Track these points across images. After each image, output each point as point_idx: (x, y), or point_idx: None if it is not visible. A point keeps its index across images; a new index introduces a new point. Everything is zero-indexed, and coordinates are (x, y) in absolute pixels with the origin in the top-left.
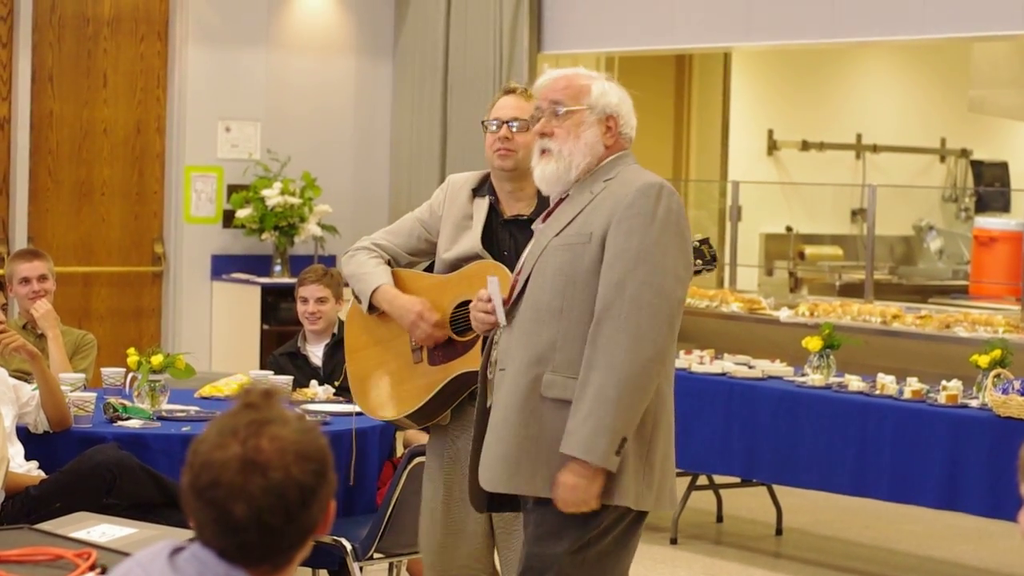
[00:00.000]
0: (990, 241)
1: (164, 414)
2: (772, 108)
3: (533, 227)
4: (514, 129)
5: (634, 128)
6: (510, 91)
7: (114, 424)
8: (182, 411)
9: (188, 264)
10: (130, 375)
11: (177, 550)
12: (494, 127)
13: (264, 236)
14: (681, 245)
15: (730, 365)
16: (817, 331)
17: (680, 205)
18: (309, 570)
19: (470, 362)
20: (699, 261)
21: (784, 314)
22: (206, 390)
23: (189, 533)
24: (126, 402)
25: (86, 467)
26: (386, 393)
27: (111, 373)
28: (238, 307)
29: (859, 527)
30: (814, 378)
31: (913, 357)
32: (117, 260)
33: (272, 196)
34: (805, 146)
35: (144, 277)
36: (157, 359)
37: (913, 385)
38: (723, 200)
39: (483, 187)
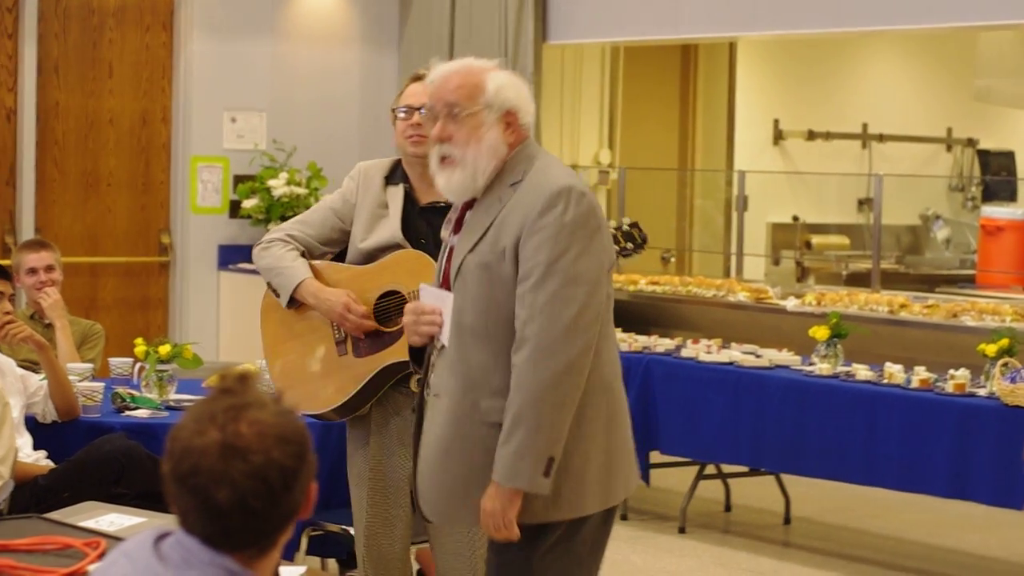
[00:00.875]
0: (997, 230)
1: (172, 404)
2: (778, 98)
3: (443, 236)
4: (424, 115)
5: (532, 114)
6: (418, 78)
7: (122, 414)
8: (190, 401)
9: (195, 254)
10: (138, 365)
11: (162, 537)
12: (403, 114)
13: (270, 226)
14: (594, 246)
15: (737, 354)
16: (824, 320)
17: (590, 204)
18: (318, 559)
19: (397, 352)
20: (629, 245)
21: (791, 303)
22: (213, 379)
23: None
24: (134, 392)
25: (94, 457)
26: (312, 387)
27: (119, 363)
28: (245, 297)
29: (867, 516)
30: (821, 367)
31: (920, 346)
32: (124, 250)
33: (278, 186)
34: (811, 136)
35: (151, 267)
36: (165, 349)
37: (920, 374)
38: (729, 190)
39: (395, 174)
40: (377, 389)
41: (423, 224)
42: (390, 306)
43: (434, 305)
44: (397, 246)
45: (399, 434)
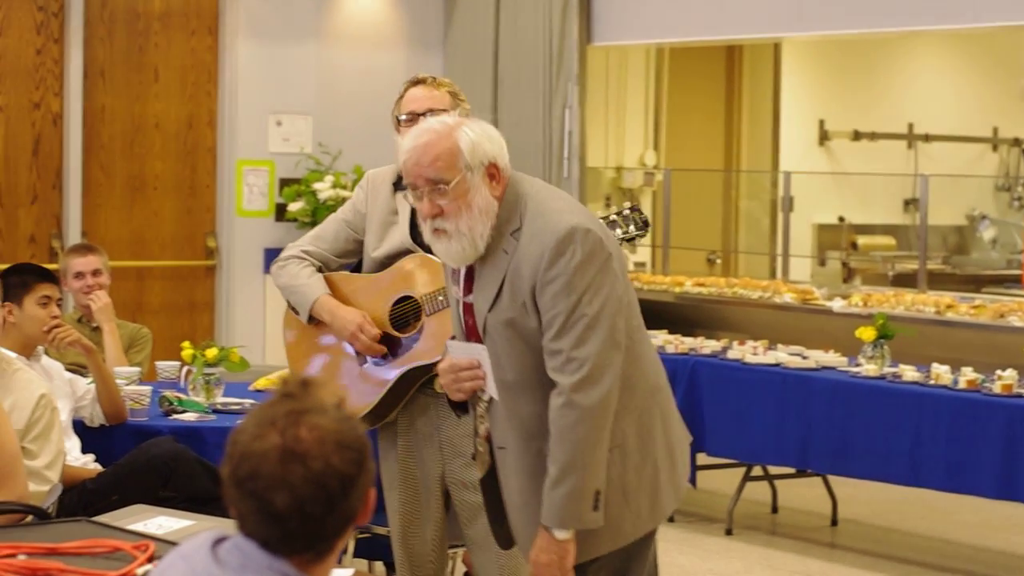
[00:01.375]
0: None
1: (219, 407)
2: (823, 98)
3: (455, 296)
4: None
5: (506, 152)
6: (419, 82)
7: (169, 417)
8: (237, 404)
9: (241, 258)
10: (185, 368)
11: (219, 541)
12: (406, 120)
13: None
14: (608, 278)
15: (784, 356)
16: (871, 321)
17: (595, 240)
18: (365, 562)
19: (417, 357)
20: (631, 228)
21: (837, 304)
22: (260, 383)
23: None
24: (181, 395)
25: (142, 460)
26: None
27: (166, 366)
28: None
29: (915, 517)
30: (868, 368)
31: (967, 347)
32: (170, 254)
33: (324, 189)
34: (857, 136)
35: (197, 271)
36: (211, 352)
37: (968, 375)
38: (775, 191)
39: (403, 180)
40: (402, 395)
41: None
42: (405, 311)
43: (470, 359)
44: (408, 251)
45: (426, 435)
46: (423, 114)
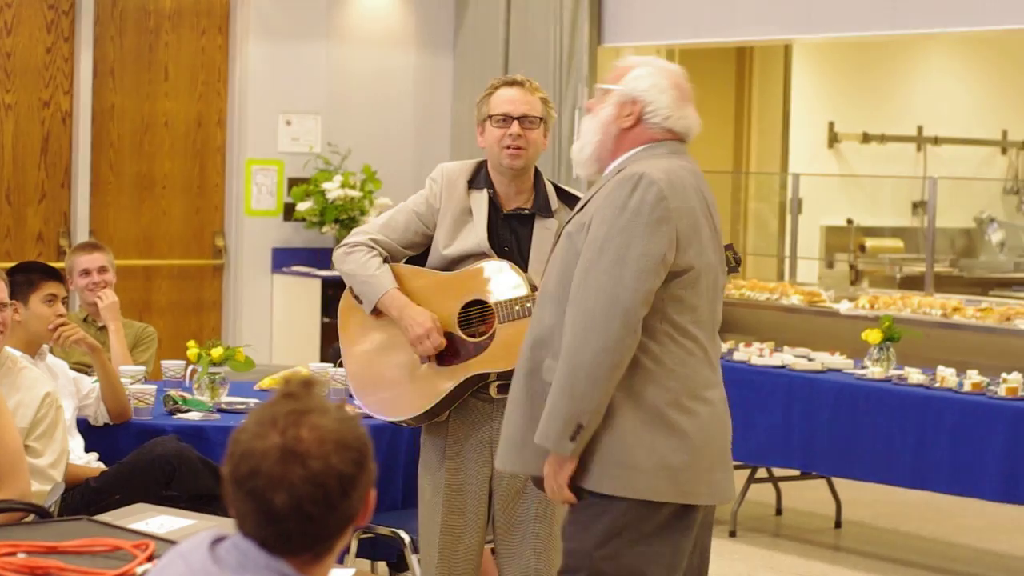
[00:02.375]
0: None
1: (224, 406)
2: (833, 100)
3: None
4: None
5: (674, 119)
6: (515, 83)
7: (174, 416)
8: (242, 404)
9: (249, 257)
10: (190, 368)
11: (218, 540)
12: (499, 122)
13: (325, 229)
14: (655, 236)
15: (790, 358)
16: (877, 324)
17: (658, 194)
18: (368, 562)
19: (481, 364)
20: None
21: (844, 307)
22: (266, 383)
23: None
24: (186, 394)
25: (146, 459)
26: (392, 393)
27: (171, 365)
28: (298, 300)
29: (919, 520)
30: (874, 371)
31: (973, 350)
32: (178, 253)
33: (333, 189)
34: (866, 138)
35: (205, 270)
36: (217, 352)
37: (973, 378)
38: (784, 192)
39: (478, 178)
40: (457, 397)
41: (506, 231)
42: (474, 315)
43: None
44: (482, 254)
45: (477, 440)
46: (518, 118)
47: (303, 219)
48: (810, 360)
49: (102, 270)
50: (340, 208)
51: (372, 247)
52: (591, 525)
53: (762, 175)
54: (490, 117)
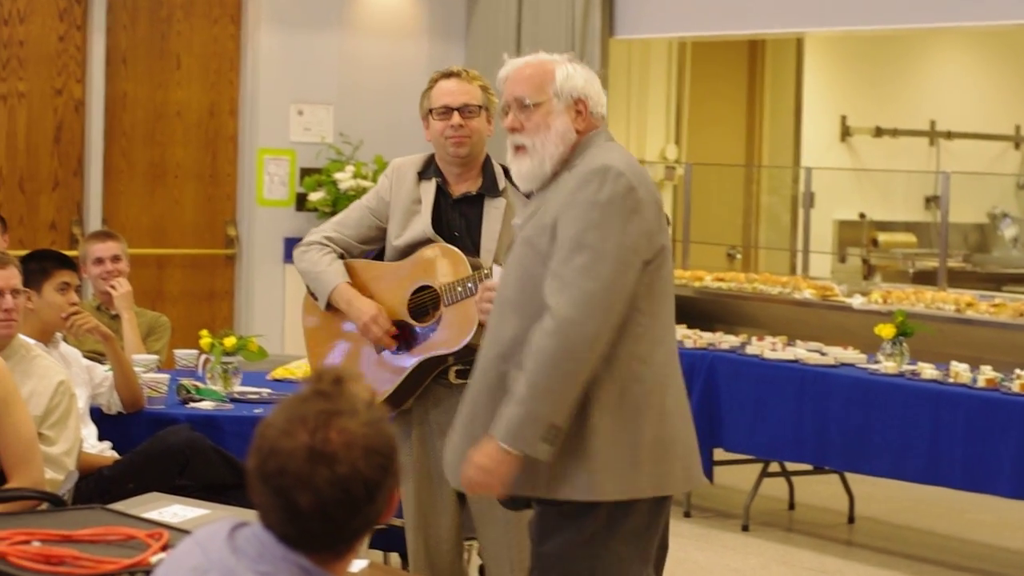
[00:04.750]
0: None
1: (236, 396)
2: (845, 94)
3: (513, 223)
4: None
5: (604, 105)
6: (451, 74)
7: (187, 406)
8: (254, 393)
9: (261, 247)
10: (203, 357)
11: (237, 528)
12: (441, 114)
13: None
14: (629, 227)
15: (802, 352)
16: (890, 318)
17: (627, 185)
18: (380, 553)
19: (434, 347)
20: None
21: (857, 301)
22: (278, 372)
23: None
24: (199, 384)
25: (159, 448)
26: None
27: (184, 355)
28: None
29: (932, 516)
30: (887, 365)
31: (987, 345)
32: (190, 242)
33: (344, 179)
34: (878, 132)
35: (217, 259)
36: (230, 341)
37: (987, 373)
38: (796, 186)
39: (428, 169)
40: (418, 384)
41: (456, 216)
42: (424, 301)
43: (496, 281)
44: (428, 241)
45: (439, 425)
46: (458, 108)
47: (315, 209)
48: (823, 355)
49: (116, 259)
50: (352, 198)
51: (326, 245)
52: (559, 528)
53: (774, 169)
54: (431, 111)
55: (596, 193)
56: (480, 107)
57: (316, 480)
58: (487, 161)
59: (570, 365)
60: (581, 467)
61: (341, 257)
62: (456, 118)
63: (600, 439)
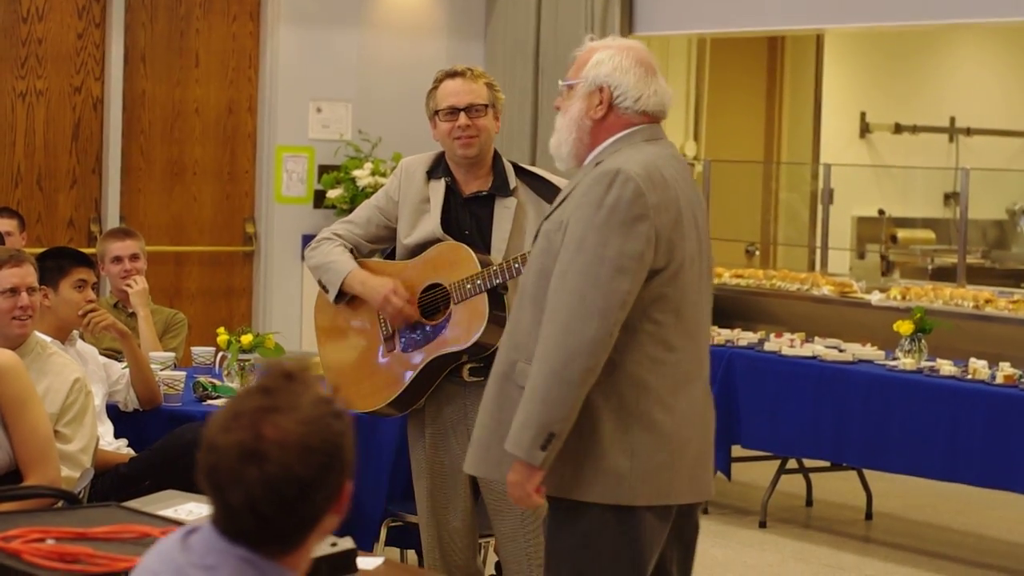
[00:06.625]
0: None
1: None
2: (865, 90)
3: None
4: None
5: (645, 98)
6: (456, 74)
7: (204, 403)
8: None
9: (279, 244)
10: (220, 354)
11: (193, 530)
12: (447, 115)
13: None
14: (632, 233)
15: (821, 348)
16: (909, 315)
17: (635, 191)
18: (397, 550)
19: (444, 344)
20: None
21: (875, 298)
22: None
23: None
24: (216, 381)
25: (175, 445)
26: (363, 384)
27: (201, 352)
28: None
29: (950, 512)
30: (905, 362)
31: (1006, 342)
32: (208, 240)
33: (363, 177)
34: (898, 129)
35: (235, 257)
36: (247, 338)
37: (1005, 370)
38: (815, 183)
39: (438, 168)
40: (430, 382)
41: (466, 215)
42: (434, 299)
43: None
44: (438, 240)
45: (452, 423)
46: (464, 109)
47: (333, 206)
48: (841, 351)
49: (134, 257)
50: (370, 195)
51: (335, 239)
52: (570, 527)
53: (793, 165)
54: (438, 111)
55: (603, 196)
56: (486, 105)
57: (246, 478)
58: (497, 159)
59: (569, 372)
60: (581, 468)
61: (351, 252)
62: (463, 118)
63: (601, 445)
